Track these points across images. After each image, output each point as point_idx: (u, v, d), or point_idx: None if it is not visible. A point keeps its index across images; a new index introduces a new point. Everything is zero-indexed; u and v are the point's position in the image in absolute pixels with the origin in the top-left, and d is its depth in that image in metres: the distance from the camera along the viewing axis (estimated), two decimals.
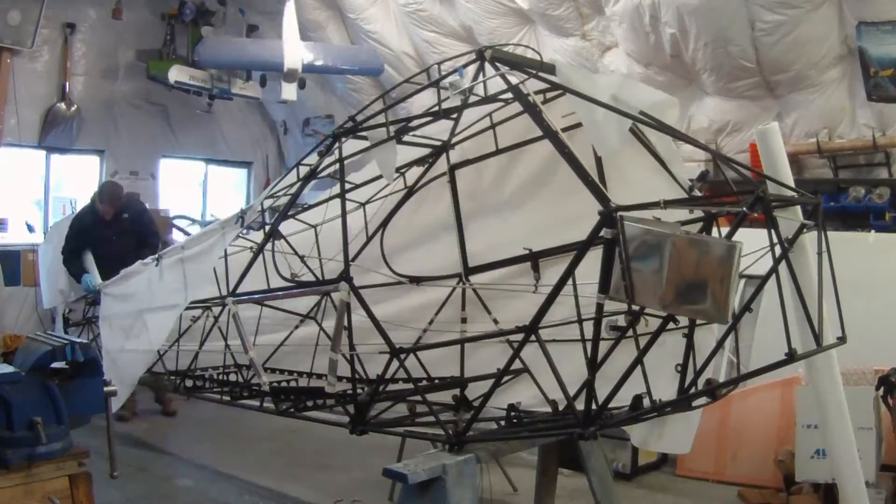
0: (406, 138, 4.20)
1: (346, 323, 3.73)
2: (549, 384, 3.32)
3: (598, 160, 3.71)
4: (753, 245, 2.91)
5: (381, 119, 3.91)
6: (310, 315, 4.78)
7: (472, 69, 3.73)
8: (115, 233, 7.15)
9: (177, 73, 9.51)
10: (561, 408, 3.54)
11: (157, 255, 5.02)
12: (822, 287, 3.23)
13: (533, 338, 3.18)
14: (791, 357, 2.92)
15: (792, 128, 7.34)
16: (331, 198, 4.65)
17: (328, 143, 4.26)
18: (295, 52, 9.15)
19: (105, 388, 3.16)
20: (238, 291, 4.44)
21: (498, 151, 4.44)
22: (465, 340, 4.35)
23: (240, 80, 9.98)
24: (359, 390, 3.97)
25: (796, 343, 2.97)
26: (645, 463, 5.96)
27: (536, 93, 3.58)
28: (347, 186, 4.29)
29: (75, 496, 3.06)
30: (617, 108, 3.19)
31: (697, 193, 3.61)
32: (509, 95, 3.69)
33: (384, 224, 4.75)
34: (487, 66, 3.63)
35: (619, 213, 2.78)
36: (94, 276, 6.57)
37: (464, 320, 4.59)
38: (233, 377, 4.97)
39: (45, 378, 3.08)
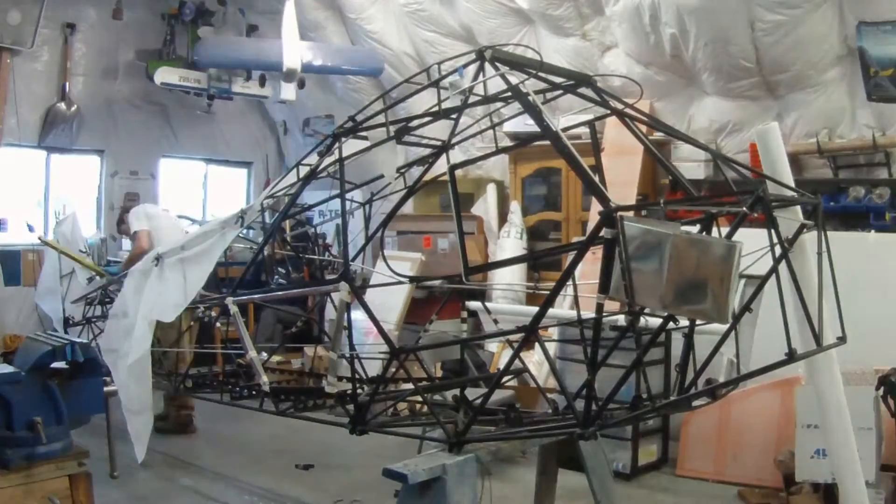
0: (406, 138, 4.20)
1: (345, 323, 3.73)
2: None
3: (599, 160, 3.71)
4: (753, 245, 2.91)
5: (381, 119, 3.91)
6: (309, 315, 4.79)
7: (472, 69, 3.72)
8: None
9: (163, 75, 9.37)
10: (561, 408, 3.55)
11: (156, 256, 5.02)
12: (822, 287, 3.23)
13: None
14: (791, 357, 2.91)
15: (792, 128, 7.32)
16: (331, 197, 4.64)
17: (328, 143, 4.26)
18: (294, 51, 9.14)
19: (105, 388, 3.17)
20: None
21: (498, 151, 4.43)
22: (465, 340, 4.35)
23: (241, 79, 9.96)
24: (359, 390, 3.97)
25: (796, 343, 2.97)
26: (645, 463, 5.96)
27: (537, 93, 3.58)
28: (347, 187, 4.29)
29: (75, 496, 3.07)
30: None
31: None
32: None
33: (384, 224, 4.75)
34: (487, 66, 3.63)
35: (619, 213, 2.78)
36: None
37: (464, 320, 4.59)
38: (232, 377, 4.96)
39: (45, 378, 3.08)
